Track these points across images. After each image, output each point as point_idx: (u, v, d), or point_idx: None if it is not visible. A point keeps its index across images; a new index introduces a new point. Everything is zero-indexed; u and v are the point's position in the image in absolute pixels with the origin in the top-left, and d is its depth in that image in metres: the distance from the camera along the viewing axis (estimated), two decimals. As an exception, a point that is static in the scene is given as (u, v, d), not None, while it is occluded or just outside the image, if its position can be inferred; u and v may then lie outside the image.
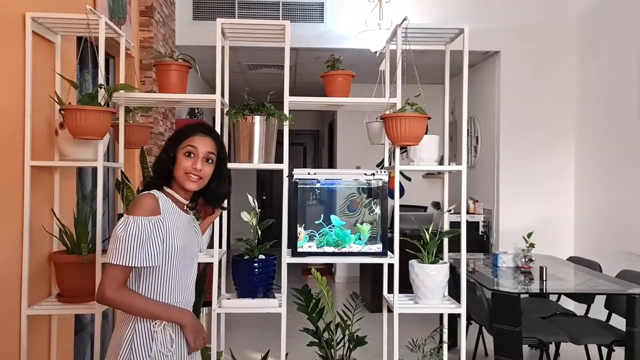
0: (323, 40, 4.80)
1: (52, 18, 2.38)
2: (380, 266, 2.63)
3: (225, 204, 1.93)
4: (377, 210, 2.48)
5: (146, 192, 1.63)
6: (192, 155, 1.66)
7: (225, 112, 2.53)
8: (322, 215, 2.46)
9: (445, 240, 2.66)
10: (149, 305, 1.59)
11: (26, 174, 2.29)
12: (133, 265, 1.52)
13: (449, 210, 2.63)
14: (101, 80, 2.37)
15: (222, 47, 2.51)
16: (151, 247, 1.55)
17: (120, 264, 1.51)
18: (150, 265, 1.56)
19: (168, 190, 1.69)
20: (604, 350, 3.25)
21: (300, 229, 2.45)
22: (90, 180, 3.00)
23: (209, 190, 1.76)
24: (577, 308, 4.02)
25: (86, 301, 2.38)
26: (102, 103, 2.27)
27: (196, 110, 5.37)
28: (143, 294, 1.61)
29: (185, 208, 1.74)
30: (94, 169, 2.75)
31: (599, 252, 4.35)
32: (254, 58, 5.55)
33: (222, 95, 2.50)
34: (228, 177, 1.81)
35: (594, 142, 4.68)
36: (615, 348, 3.15)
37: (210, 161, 1.70)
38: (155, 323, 1.60)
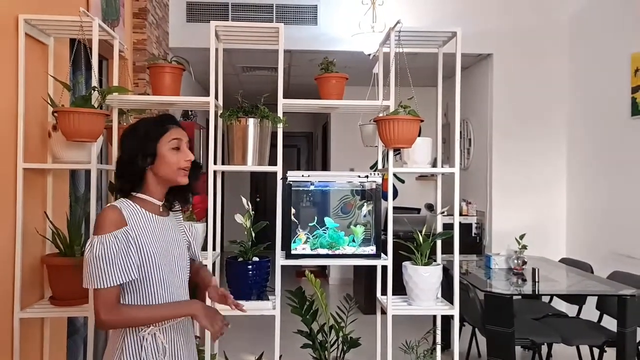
0: (317, 43, 4.81)
1: (45, 20, 2.37)
2: (373, 268, 2.64)
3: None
4: (371, 212, 2.48)
5: (108, 205, 1.52)
6: (179, 149, 1.57)
7: (219, 114, 2.53)
8: (315, 218, 2.47)
9: (439, 242, 2.67)
10: (155, 311, 1.53)
11: (19, 176, 2.28)
12: (110, 285, 1.44)
13: (442, 212, 2.64)
14: (94, 82, 2.36)
15: (216, 50, 2.51)
16: (125, 261, 1.46)
17: (96, 286, 1.43)
18: (130, 279, 1.48)
19: (139, 195, 1.57)
20: (596, 351, 3.27)
21: (299, 229, 2.45)
22: (83, 183, 2.98)
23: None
24: (569, 309, 4.04)
25: (79, 304, 2.37)
26: (96, 105, 2.27)
27: (190, 113, 5.36)
28: None
29: (161, 210, 1.62)
30: (87, 172, 2.75)
31: (590, 253, 4.38)
32: (248, 60, 5.55)
33: (216, 97, 2.50)
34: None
35: (585, 144, 4.72)
36: (606, 349, 3.17)
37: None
38: (142, 328, 1.53)
